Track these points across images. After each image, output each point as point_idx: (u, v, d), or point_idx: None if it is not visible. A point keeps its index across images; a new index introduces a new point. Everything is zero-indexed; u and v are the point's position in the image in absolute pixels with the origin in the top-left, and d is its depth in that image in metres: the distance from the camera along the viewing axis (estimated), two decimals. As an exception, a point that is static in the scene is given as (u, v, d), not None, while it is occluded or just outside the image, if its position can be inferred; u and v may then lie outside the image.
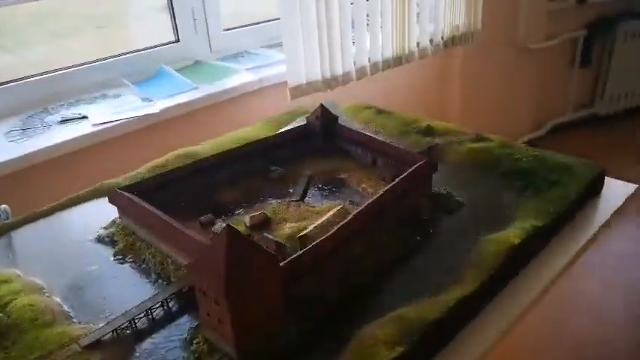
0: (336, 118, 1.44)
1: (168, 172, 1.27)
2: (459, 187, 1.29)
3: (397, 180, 1.16)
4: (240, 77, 2.17)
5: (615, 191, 1.32)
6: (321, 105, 1.43)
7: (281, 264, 0.90)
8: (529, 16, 3.02)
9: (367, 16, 2.34)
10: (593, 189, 1.30)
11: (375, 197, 1.10)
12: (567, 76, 3.56)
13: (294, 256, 0.94)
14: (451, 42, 2.69)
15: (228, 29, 2.41)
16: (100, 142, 1.86)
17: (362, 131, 1.42)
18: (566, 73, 3.55)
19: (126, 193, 1.18)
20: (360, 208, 1.06)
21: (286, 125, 1.72)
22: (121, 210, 1.21)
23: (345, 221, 1.02)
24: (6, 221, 1.28)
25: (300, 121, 1.71)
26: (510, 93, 3.22)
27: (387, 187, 1.13)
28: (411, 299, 0.96)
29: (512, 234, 1.09)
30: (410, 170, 1.19)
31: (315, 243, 0.97)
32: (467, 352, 0.92)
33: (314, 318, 0.92)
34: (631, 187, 1.33)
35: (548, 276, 1.07)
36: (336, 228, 1.01)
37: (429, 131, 1.53)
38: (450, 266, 1.04)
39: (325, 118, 1.42)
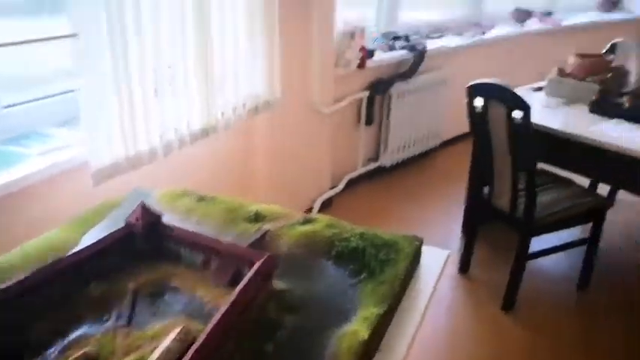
0: (159, 217, 1.32)
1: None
2: (298, 277, 1.27)
3: (240, 287, 1.09)
4: (30, 164, 1.90)
5: (431, 257, 1.44)
6: (142, 204, 1.29)
7: None
8: (321, 82, 3.24)
9: (170, 84, 2.25)
10: (417, 259, 1.39)
11: (220, 312, 1.01)
12: (357, 134, 3.89)
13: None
14: (254, 110, 2.74)
15: (9, 105, 2.09)
16: None
17: (189, 230, 1.31)
18: (355, 131, 3.88)
19: None
20: (206, 332, 0.97)
21: (97, 223, 1.53)
22: None
23: (194, 351, 0.92)
24: None
25: (113, 219, 1.53)
26: (312, 154, 3.39)
27: (232, 299, 1.05)
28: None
29: (360, 327, 1.10)
30: (252, 272, 1.13)
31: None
32: None
33: None
34: (443, 254, 1.46)
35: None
36: (185, 361, 0.89)
37: (257, 217, 1.50)
38: (308, 374, 1.00)
39: (147, 219, 1.29)
